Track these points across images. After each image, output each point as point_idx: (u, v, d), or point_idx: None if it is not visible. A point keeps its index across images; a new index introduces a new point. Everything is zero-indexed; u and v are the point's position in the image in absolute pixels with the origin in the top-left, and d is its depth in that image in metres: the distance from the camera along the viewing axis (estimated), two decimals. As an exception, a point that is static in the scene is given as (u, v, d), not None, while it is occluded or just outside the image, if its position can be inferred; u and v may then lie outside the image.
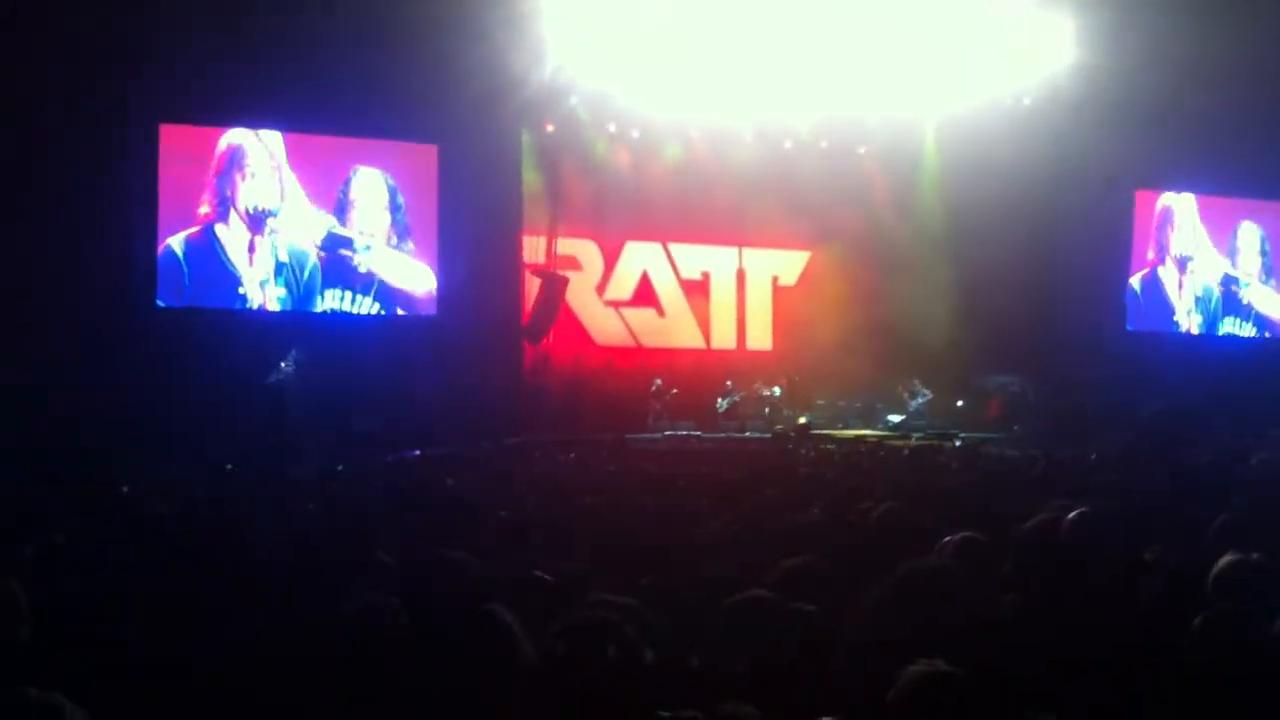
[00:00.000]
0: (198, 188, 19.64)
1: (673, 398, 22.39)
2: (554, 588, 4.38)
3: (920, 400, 22.85)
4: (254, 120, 19.94)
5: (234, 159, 19.91)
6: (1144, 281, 25.78)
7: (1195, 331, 26.22)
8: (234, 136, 19.96)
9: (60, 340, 16.91)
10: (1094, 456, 12.55)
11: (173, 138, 19.54)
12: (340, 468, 13.14)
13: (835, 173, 23.99)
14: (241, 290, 19.95)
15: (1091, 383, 21.20)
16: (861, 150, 24.34)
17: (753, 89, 21.80)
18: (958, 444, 18.99)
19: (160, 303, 19.51)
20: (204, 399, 16.46)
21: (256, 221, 20.01)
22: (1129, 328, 25.35)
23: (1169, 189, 25.82)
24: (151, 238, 19.35)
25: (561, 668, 3.07)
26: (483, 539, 5.80)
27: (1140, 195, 25.52)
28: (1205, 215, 26.27)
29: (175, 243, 19.58)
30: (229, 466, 13.03)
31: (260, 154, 20.08)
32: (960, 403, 23.34)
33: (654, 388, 22.35)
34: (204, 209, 19.68)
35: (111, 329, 17.68)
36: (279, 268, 20.15)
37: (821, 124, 23.41)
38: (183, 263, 19.61)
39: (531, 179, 22.45)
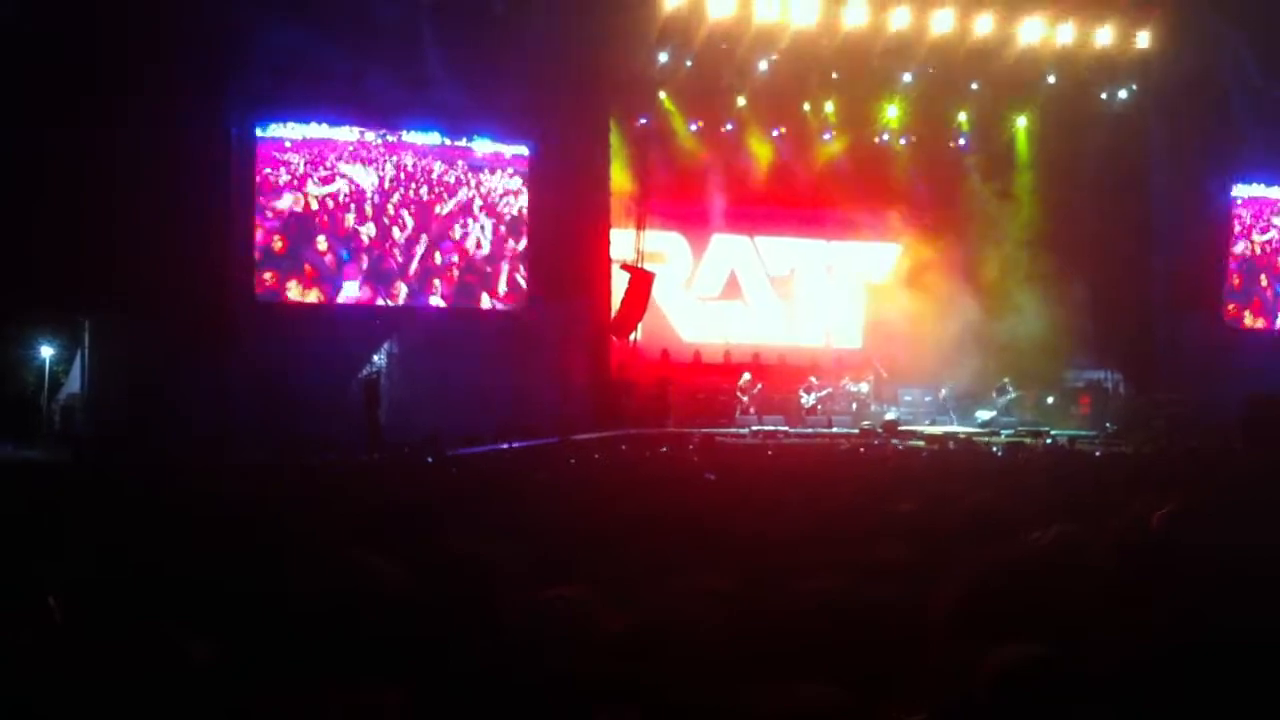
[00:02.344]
0: (292, 185, 19.98)
1: (760, 393, 22.34)
2: (638, 573, 4.43)
3: (1009, 398, 22.53)
4: (349, 118, 20.25)
5: (327, 157, 20.20)
6: (1242, 277, 25.21)
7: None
8: (328, 133, 20.28)
9: (167, 335, 17.35)
10: (1188, 450, 12.36)
11: (270, 136, 19.91)
12: (429, 459, 13.37)
13: (926, 167, 23.88)
14: (336, 285, 20.25)
15: (1186, 378, 20.82)
16: (952, 145, 24.17)
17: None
18: (1049, 440, 18.77)
19: (259, 296, 19.88)
20: (301, 391, 16.80)
21: (351, 218, 20.30)
22: (1227, 321, 24.77)
23: (1267, 181, 25.23)
24: (249, 233, 19.73)
25: (639, 649, 3.11)
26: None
27: (1238, 189, 24.95)
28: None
29: (271, 238, 19.97)
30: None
31: (355, 152, 20.36)
32: (1050, 399, 23.04)
33: (741, 383, 22.31)
34: (298, 205, 20.02)
35: (212, 323, 18.03)
36: (372, 263, 20.42)
37: (911, 117, 23.33)
38: (279, 257, 19.99)
39: (619, 172, 22.51)
